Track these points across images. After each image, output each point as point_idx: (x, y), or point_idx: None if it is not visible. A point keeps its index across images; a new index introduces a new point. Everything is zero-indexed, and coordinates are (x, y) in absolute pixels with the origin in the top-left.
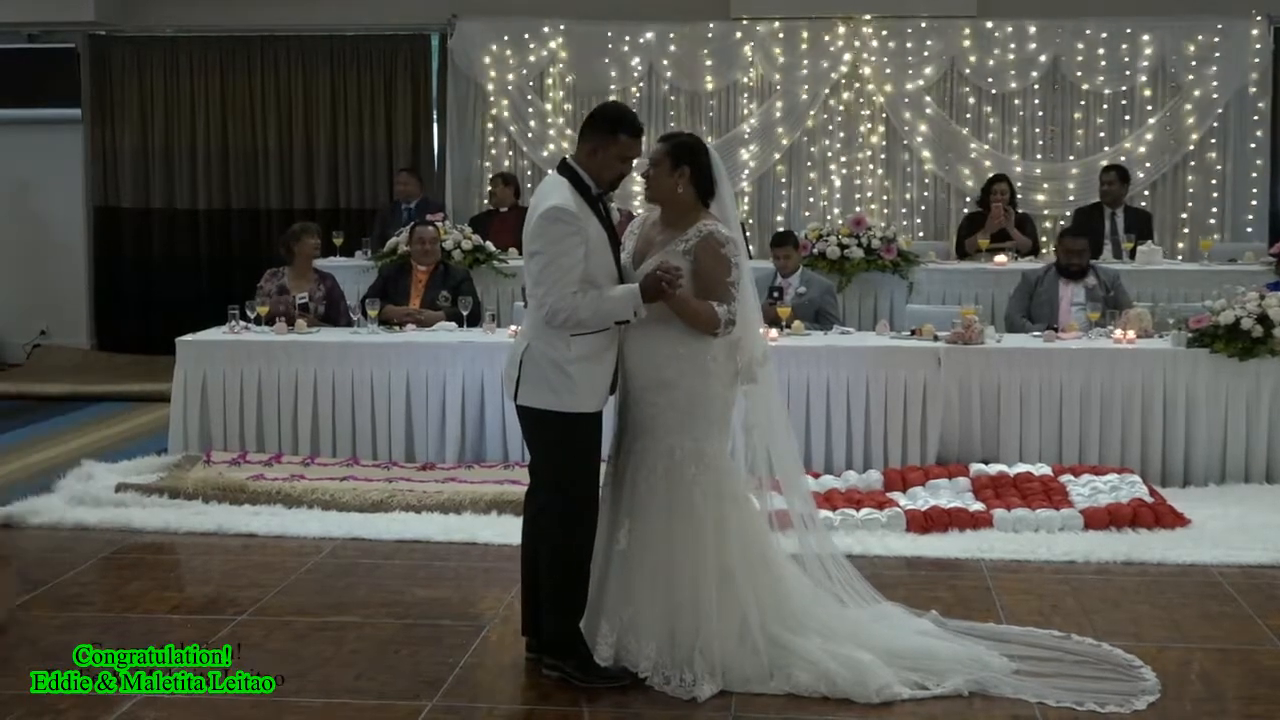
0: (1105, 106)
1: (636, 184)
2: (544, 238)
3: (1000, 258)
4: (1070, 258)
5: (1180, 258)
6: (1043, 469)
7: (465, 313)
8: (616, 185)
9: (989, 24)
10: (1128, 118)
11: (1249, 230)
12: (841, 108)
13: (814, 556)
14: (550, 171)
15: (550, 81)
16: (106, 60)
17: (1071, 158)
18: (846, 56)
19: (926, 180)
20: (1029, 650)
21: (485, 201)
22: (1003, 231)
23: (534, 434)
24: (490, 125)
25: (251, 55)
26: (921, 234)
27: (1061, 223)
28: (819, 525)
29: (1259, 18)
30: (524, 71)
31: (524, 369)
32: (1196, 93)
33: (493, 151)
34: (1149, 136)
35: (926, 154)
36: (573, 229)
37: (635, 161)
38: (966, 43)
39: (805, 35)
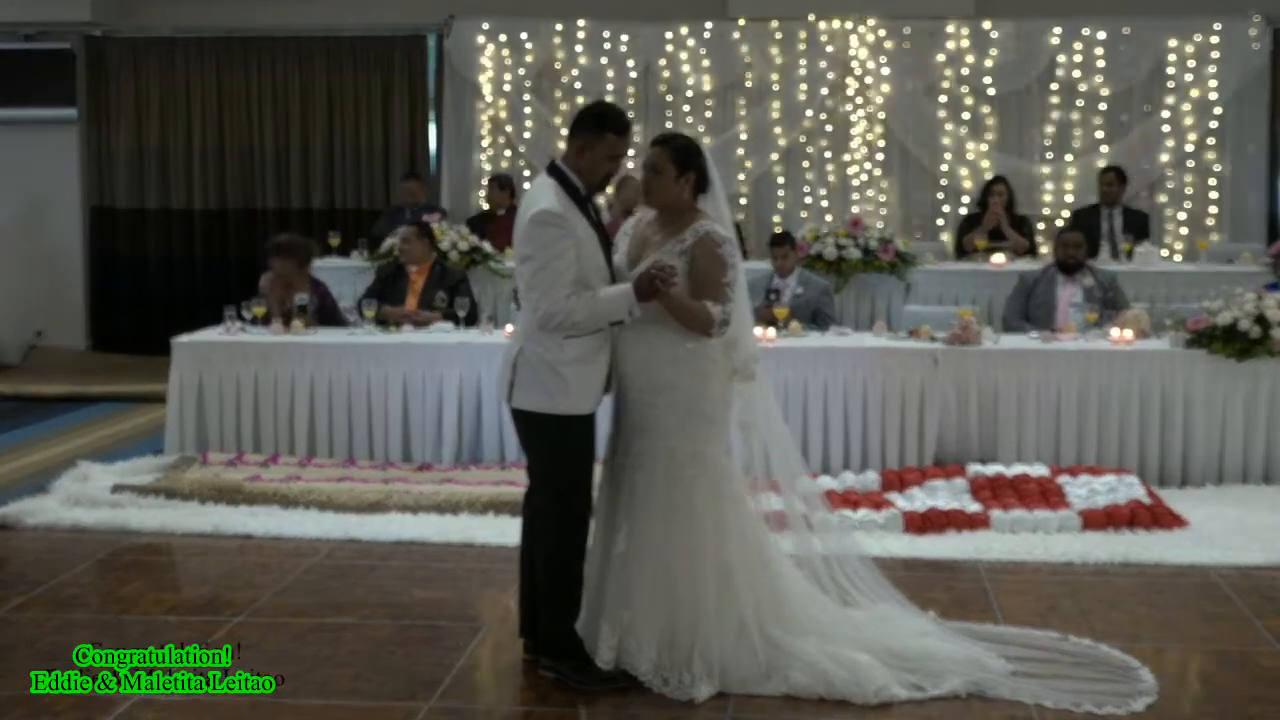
0: (1104, 106)
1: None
2: (534, 242)
3: (998, 257)
4: (1068, 250)
5: (1178, 258)
6: (1040, 470)
7: (462, 314)
8: (606, 184)
9: (987, 24)
10: (1126, 118)
11: (1247, 231)
12: (839, 108)
13: (818, 556)
14: (540, 173)
15: (547, 82)
16: (102, 60)
17: (1070, 158)
18: (844, 57)
19: (924, 181)
20: (1026, 651)
21: (483, 204)
22: (999, 231)
23: (529, 436)
24: (487, 125)
25: (248, 56)
26: (919, 235)
27: (1059, 224)
28: (827, 523)
29: (1257, 18)
30: (521, 71)
31: (518, 372)
32: (1195, 93)
33: (489, 152)
34: (1147, 137)
35: (924, 155)
36: (563, 231)
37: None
38: (965, 43)
39: (803, 35)
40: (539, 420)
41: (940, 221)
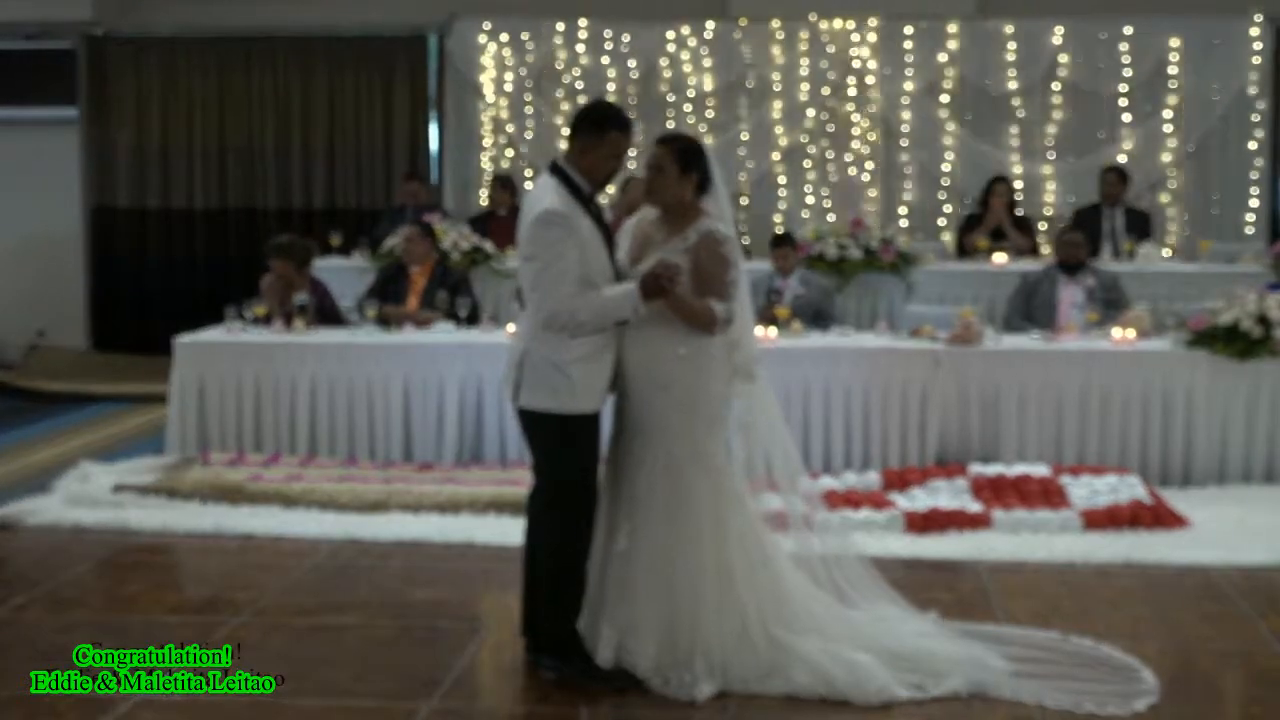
0: (1105, 106)
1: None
2: (538, 242)
3: (999, 257)
4: (1068, 250)
5: (1180, 258)
6: (1042, 470)
7: (464, 314)
8: (609, 182)
9: (988, 24)
10: (1127, 118)
11: (1248, 231)
12: (840, 108)
13: (817, 557)
14: (542, 173)
15: (549, 81)
16: (103, 60)
17: (1071, 158)
18: (845, 57)
19: (925, 181)
20: (1028, 652)
21: (484, 203)
22: (1000, 231)
23: (534, 436)
24: (488, 125)
25: (249, 55)
26: (920, 235)
27: (1060, 224)
28: (827, 524)
29: (1259, 18)
30: (522, 71)
31: (524, 372)
32: (1196, 93)
33: (491, 152)
34: (1148, 137)
35: (925, 155)
36: (567, 231)
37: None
38: (966, 43)
39: (804, 35)
40: (544, 419)
41: (941, 221)
